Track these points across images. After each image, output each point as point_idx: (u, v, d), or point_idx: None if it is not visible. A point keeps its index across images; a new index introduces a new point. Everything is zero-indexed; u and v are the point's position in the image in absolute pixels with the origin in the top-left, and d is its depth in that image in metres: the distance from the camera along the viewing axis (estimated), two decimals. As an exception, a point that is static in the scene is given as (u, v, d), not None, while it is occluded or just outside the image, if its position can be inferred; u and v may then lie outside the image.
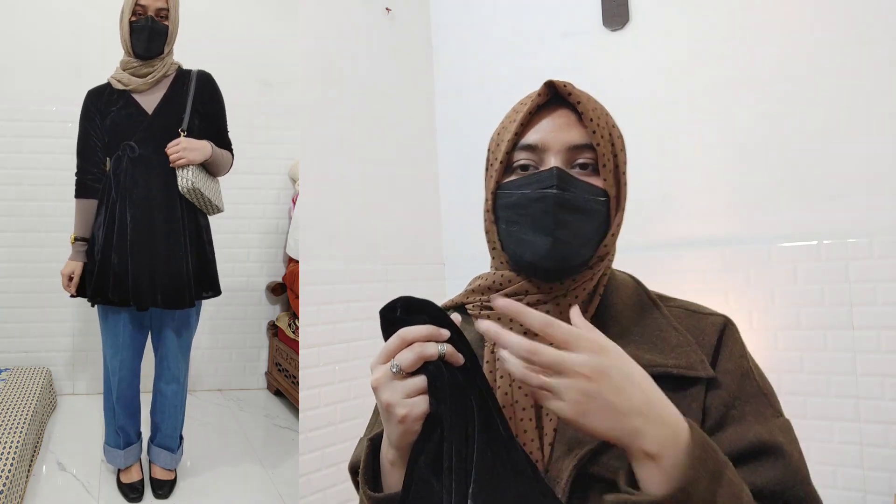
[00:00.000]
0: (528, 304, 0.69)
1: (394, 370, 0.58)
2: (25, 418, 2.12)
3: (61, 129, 2.56)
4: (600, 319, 0.71)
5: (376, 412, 0.82)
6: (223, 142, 2.00)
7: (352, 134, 2.15)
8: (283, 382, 2.81)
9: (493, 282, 0.73)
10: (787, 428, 0.67)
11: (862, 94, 1.61)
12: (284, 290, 2.99)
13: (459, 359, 0.58)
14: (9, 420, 2.09)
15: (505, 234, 0.71)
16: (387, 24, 2.32)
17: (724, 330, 0.70)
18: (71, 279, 1.92)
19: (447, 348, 0.58)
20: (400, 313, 0.59)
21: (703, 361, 0.66)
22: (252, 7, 3.05)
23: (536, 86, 0.70)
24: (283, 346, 2.83)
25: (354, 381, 2.01)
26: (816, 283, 1.64)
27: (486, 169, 0.76)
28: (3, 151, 2.76)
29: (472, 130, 2.36)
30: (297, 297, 2.07)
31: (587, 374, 0.52)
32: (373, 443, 0.67)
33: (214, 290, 2.01)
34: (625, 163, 0.72)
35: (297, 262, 2.38)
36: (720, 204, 1.81)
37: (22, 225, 2.77)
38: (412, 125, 2.39)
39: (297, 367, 2.24)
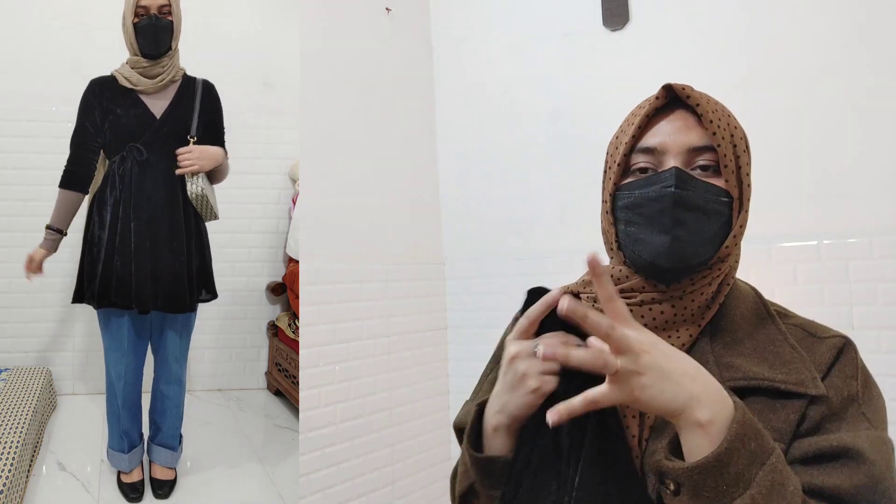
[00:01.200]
0: (643, 303, 0.70)
1: (537, 349, 0.62)
2: (25, 418, 2.12)
3: (61, 129, 2.54)
4: (716, 326, 0.71)
5: (481, 381, 0.88)
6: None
7: (352, 134, 2.15)
8: (283, 382, 2.81)
9: (611, 275, 0.73)
10: (880, 440, 0.63)
11: (862, 94, 1.61)
12: (284, 290, 2.99)
13: None
14: (9, 420, 2.09)
15: (623, 234, 0.71)
16: (387, 24, 2.32)
17: (842, 349, 0.68)
18: (32, 261, 1.96)
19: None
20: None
21: (814, 379, 0.64)
22: (252, 7, 3.05)
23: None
24: (283, 346, 2.83)
25: (354, 381, 2.00)
26: (816, 283, 1.64)
27: (605, 172, 0.76)
28: (3, 151, 2.76)
29: (472, 130, 2.36)
30: (297, 297, 2.07)
31: (641, 348, 0.54)
32: (479, 408, 0.71)
33: (212, 293, 2.03)
34: (748, 164, 0.71)
35: (297, 262, 2.38)
36: (720, 204, 1.81)
37: (22, 225, 2.77)
38: (412, 125, 2.38)
39: (297, 367, 2.24)
